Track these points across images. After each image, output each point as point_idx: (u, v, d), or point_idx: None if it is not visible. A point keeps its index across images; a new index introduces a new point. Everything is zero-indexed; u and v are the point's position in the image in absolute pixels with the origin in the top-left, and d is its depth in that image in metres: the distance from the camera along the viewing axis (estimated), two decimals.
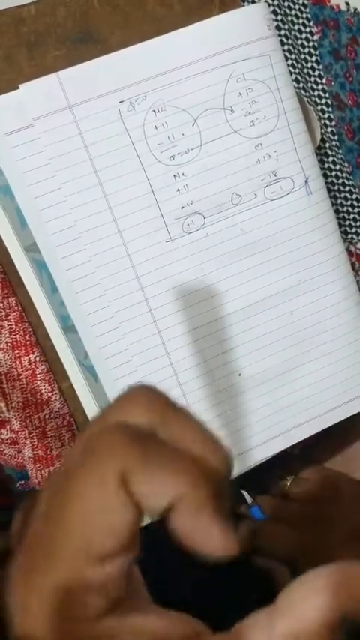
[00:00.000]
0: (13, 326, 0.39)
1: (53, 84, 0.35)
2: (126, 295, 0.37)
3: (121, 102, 0.36)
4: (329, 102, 0.48)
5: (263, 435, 0.40)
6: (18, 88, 0.35)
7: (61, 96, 0.35)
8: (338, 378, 0.41)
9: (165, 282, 0.38)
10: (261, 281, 0.39)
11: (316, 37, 0.47)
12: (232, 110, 0.37)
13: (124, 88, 0.36)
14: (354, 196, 0.49)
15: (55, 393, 0.39)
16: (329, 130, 0.48)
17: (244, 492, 0.41)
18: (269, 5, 0.43)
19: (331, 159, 0.48)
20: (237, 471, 0.40)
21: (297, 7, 0.46)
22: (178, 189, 0.37)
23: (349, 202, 0.49)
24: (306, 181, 0.39)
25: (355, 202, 0.49)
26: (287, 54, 0.44)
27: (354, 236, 0.50)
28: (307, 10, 0.46)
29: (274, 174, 0.38)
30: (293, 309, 0.40)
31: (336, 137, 0.49)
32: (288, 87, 0.38)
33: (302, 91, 0.44)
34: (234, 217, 0.38)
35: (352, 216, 0.49)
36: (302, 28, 0.47)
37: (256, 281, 0.39)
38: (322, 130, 0.45)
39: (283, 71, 0.38)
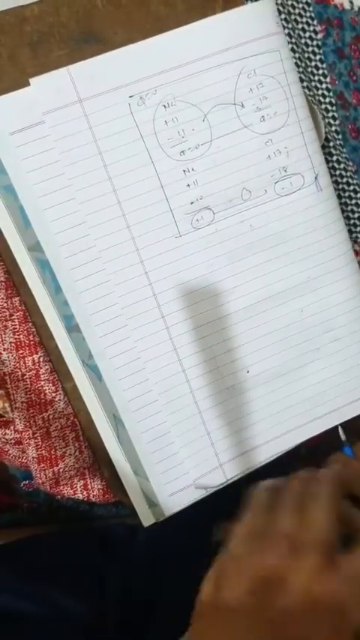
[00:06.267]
0: (17, 326, 0.39)
1: (64, 78, 0.35)
2: (135, 291, 0.37)
3: (131, 96, 0.36)
4: (333, 101, 0.48)
5: (271, 433, 0.40)
6: (21, 87, 0.35)
7: (72, 90, 0.35)
8: (346, 376, 0.41)
9: (174, 278, 0.38)
10: (270, 278, 0.39)
11: (319, 36, 0.47)
12: (242, 105, 0.37)
13: (135, 83, 0.35)
14: (358, 195, 0.49)
15: (59, 393, 0.39)
16: (333, 128, 0.48)
17: (340, 429, 0.40)
18: None
19: (335, 158, 0.47)
20: (245, 468, 0.40)
21: (300, 5, 0.46)
22: (188, 185, 0.37)
23: (353, 201, 0.49)
24: (316, 178, 0.39)
25: (359, 201, 0.49)
26: (291, 52, 0.44)
27: (359, 235, 0.50)
28: (311, 8, 0.46)
29: (285, 170, 0.38)
30: (302, 307, 0.40)
31: (340, 136, 0.48)
32: (297, 83, 0.38)
33: (306, 90, 0.44)
34: (243, 213, 0.38)
35: (356, 214, 0.49)
36: (306, 26, 0.46)
37: (265, 277, 0.39)
38: (326, 129, 0.45)
39: (292, 67, 0.38)
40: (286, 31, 0.44)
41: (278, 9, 0.44)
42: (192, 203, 0.37)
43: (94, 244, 0.36)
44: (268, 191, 0.38)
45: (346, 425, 0.41)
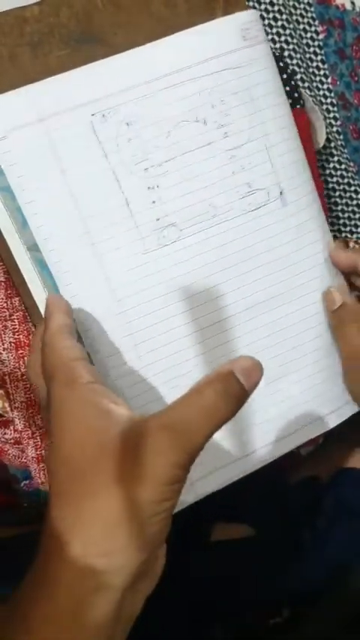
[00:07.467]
0: (17, 326, 0.39)
1: (24, 96, 0.34)
2: (100, 306, 0.37)
3: (93, 114, 0.35)
4: (334, 101, 0.48)
5: (252, 445, 0.40)
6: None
7: (32, 108, 0.34)
8: (324, 386, 0.41)
9: (141, 295, 0.37)
10: (240, 293, 0.39)
11: (321, 37, 0.47)
12: (205, 122, 0.36)
13: (97, 101, 0.35)
14: (359, 196, 0.49)
15: None
16: (334, 129, 0.48)
17: None
18: (273, 4, 0.43)
19: (336, 158, 0.47)
20: (234, 475, 0.39)
21: (302, 6, 0.46)
22: (154, 201, 0.36)
23: (354, 202, 0.49)
24: (281, 193, 0.38)
25: None
26: (292, 53, 0.44)
27: None
28: (312, 9, 0.46)
29: (249, 186, 0.38)
30: (275, 319, 0.39)
31: (341, 137, 0.48)
32: (269, 95, 0.37)
33: (307, 91, 0.44)
34: (210, 229, 0.38)
35: (357, 215, 0.49)
36: (307, 27, 0.46)
37: (235, 293, 0.39)
38: (327, 130, 0.45)
39: (262, 80, 0.37)
40: (288, 31, 0.44)
41: (280, 9, 0.44)
42: (158, 220, 0.37)
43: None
44: (234, 207, 0.38)
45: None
